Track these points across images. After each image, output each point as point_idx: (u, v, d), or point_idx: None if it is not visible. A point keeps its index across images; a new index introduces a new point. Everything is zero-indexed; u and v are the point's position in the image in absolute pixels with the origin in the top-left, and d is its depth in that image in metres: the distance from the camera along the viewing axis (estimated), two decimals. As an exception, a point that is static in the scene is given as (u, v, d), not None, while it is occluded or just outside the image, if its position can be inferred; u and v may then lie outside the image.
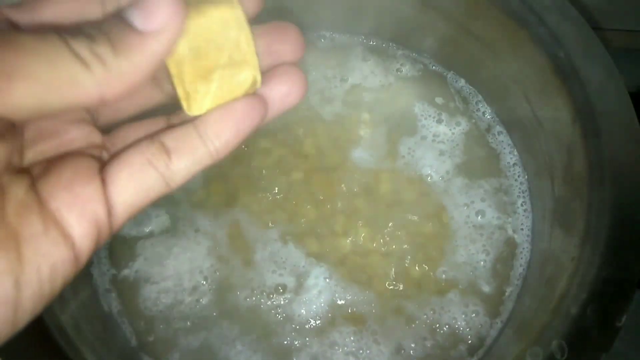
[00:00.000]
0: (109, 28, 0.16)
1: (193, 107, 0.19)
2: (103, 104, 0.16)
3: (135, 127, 0.20)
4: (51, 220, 0.16)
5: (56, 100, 0.15)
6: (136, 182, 0.18)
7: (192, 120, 0.19)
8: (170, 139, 0.19)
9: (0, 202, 0.15)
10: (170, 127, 0.19)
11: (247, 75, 0.19)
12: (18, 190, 0.16)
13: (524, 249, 0.41)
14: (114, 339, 0.38)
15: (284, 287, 0.39)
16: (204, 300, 0.39)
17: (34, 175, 0.17)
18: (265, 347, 0.38)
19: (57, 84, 0.14)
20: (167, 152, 0.18)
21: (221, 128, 0.19)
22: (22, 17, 0.17)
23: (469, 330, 0.39)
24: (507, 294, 0.40)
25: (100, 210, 0.17)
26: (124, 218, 0.18)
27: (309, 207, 0.42)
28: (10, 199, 0.16)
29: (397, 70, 0.46)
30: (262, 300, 0.39)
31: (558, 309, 0.33)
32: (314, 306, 0.39)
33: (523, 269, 0.40)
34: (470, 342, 0.39)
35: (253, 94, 0.20)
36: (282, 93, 0.20)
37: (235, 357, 0.38)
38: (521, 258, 0.41)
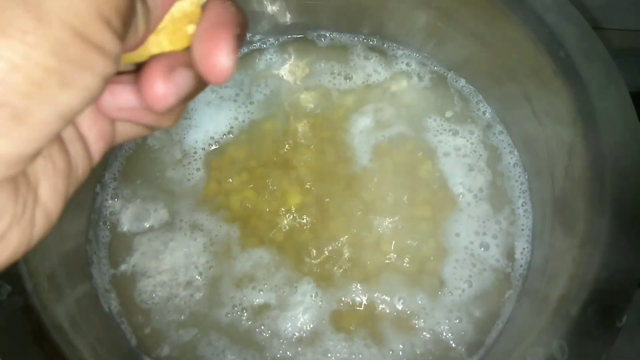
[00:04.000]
0: None
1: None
2: None
3: None
4: None
5: None
6: None
7: None
8: None
9: None
10: None
11: None
12: None
13: (524, 249, 0.41)
14: (114, 339, 0.38)
15: (268, 306, 0.39)
16: (197, 295, 0.39)
17: None
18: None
19: None
20: None
21: None
22: None
23: (469, 331, 0.39)
24: (507, 294, 0.40)
25: None
26: None
27: (309, 212, 0.41)
28: None
29: (399, 70, 0.46)
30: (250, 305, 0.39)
31: (558, 309, 0.33)
32: (299, 323, 0.39)
33: (523, 270, 0.40)
34: (470, 343, 0.39)
35: None
36: None
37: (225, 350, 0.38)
38: (521, 259, 0.41)
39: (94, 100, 0.15)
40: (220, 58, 0.16)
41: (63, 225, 0.37)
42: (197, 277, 0.40)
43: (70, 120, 0.14)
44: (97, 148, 0.18)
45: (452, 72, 0.46)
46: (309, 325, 0.39)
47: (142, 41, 0.17)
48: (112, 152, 0.43)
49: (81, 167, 0.17)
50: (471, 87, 0.46)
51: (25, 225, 0.15)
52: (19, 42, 0.12)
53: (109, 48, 0.14)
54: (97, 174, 0.42)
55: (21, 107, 0.13)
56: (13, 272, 0.31)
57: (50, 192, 0.16)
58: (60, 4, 0.13)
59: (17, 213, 0.15)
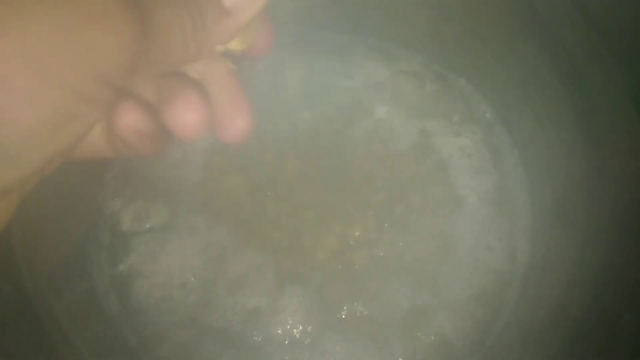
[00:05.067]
0: None
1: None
2: None
3: None
4: None
5: None
6: None
7: None
8: None
9: None
10: None
11: None
12: None
13: (524, 249, 0.41)
14: (114, 339, 0.38)
15: (262, 309, 0.39)
16: (192, 297, 0.39)
17: None
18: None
19: None
20: None
21: None
22: None
23: (470, 331, 0.39)
24: (508, 294, 0.40)
25: None
26: None
27: (308, 214, 0.42)
28: None
29: (400, 70, 0.46)
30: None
31: (558, 309, 0.33)
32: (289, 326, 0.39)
33: (524, 270, 0.40)
34: (471, 343, 0.39)
35: None
36: None
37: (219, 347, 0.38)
38: (522, 259, 0.41)
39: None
40: (239, 121, 0.20)
41: (63, 225, 0.37)
42: (192, 279, 0.40)
43: (54, 160, 0.15)
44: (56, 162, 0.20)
45: (452, 72, 0.46)
46: (308, 327, 0.39)
47: (194, 55, 0.18)
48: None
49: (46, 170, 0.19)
50: (471, 87, 0.46)
51: None
52: (22, 101, 0.13)
53: (101, 100, 0.15)
54: (98, 174, 0.42)
55: (13, 151, 0.14)
56: (13, 272, 0.31)
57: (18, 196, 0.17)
58: (64, 69, 0.14)
59: None
